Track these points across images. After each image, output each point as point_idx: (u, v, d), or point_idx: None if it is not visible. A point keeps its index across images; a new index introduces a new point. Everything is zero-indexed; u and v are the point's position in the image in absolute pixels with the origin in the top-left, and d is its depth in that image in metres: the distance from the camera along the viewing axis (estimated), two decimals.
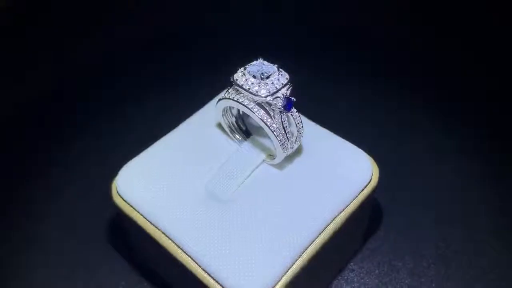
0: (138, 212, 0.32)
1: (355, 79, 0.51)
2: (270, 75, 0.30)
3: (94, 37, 0.57)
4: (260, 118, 0.30)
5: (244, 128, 0.35)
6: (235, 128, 0.34)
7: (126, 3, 0.61)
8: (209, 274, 0.29)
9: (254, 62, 0.31)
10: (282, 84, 0.30)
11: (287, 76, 0.31)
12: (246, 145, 0.34)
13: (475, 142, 0.45)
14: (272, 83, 0.30)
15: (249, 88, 0.30)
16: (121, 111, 0.49)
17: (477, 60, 0.53)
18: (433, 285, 0.36)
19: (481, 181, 0.42)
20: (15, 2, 0.59)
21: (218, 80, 0.36)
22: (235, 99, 0.31)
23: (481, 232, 0.39)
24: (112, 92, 0.51)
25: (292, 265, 0.30)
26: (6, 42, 0.56)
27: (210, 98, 0.38)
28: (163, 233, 0.31)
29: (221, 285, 0.29)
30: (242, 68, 0.31)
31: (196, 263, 0.30)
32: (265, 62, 0.31)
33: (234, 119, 0.34)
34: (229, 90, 0.32)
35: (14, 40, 0.56)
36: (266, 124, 0.30)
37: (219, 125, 0.35)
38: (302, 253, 0.30)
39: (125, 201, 0.33)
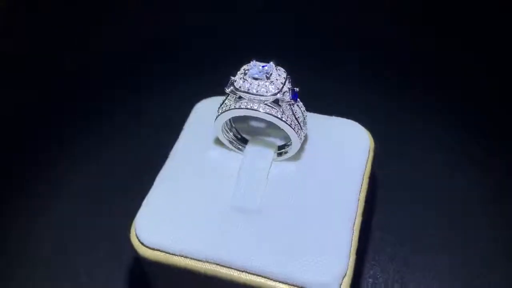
0: (178, 255, 0.30)
1: (355, 79, 0.51)
2: (272, 73, 0.31)
3: (94, 37, 0.57)
4: (275, 116, 0.30)
5: (239, 136, 0.34)
6: (233, 139, 0.34)
7: (126, 3, 0.61)
8: (284, 283, 0.29)
9: (248, 66, 0.31)
10: (284, 78, 0.31)
11: (283, 69, 0.31)
12: (249, 151, 0.34)
13: (475, 142, 0.45)
14: (276, 79, 0.30)
15: (257, 91, 0.30)
16: (122, 111, 0.49)
17: (477, 60, 0.53)
18: (438, 283, 0.37)
19: (482, 181, 0.42)
20: (15, 2, 0.59)
21: (218, 80, 0.36)
22: (242, 106, 0.31)
23: (480, 232, 0.39)
24: (113, 92, 0.51)
25: (351, 249, 0.30)
26: (6, 42, 0.56)
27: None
28: (217, 264, 0.29)
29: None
30: (241, 75, 0.31)
31: (266, 277, 0.29)
32: (259, 63, 0.31)
33: (231, 133, 0.34)
34: (225, 102, 0.32)
35: (14, 40, 0.56)
36: (282, 120, 0.31)
37: (216, 140, 0.35)
38: (353, 235, 0.31)
39: (157, 250, 0.30)
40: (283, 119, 0.31)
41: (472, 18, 0.57)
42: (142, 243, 0.30)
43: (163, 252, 0.30)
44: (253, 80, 0.30)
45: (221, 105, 0.32)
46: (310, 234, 0.30)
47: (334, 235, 0.30)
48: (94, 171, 0.44)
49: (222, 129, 0.33)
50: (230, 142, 0.34)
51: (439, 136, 0.46)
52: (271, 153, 0.34)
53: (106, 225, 0.40)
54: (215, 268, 0.29)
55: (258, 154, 0.34)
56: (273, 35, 0.56)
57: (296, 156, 0.34)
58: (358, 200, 0.32)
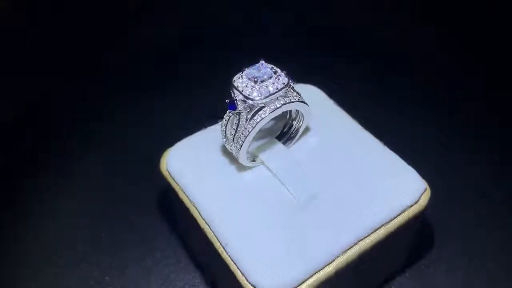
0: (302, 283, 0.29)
1: (355, 80, 0.51)
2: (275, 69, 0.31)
3: (94, 37, 0.57)
4: (295, 101, 0.31)
5: (250, 153, 0.34)
6: (252, 156, 0.34)
7: (126, 3, 0.61)
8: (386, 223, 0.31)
9: (245, 75, 0.30)
10: (277, 67, 0.31)
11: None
12: (265, 155, 0.33)
13: (475, 142, 0.45)
14: (277, 71, 0.31)
15: (277, 88, 0.30)
16: (122, 112, 0.49)
17: (477, 60, 0.53)
18: None
19: (482, 181, 0.42)
20: (16, 2, 0.59)
21: (219, 81, 0.36)
22: (267, 113, 0.30)
23: (481, 231, 0.39)
24: (113, 92, 0.51)
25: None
26: (7, 42, 0.56)
27: (206, 105, 0.37)
28: (331, 261, 0.29)
29: None
30: (250, 87, 0.30)
31: (375, 231, 0.30)
32: (254, 66, 0.31)
33: (254, 157, 0.33)
34: (241, 124, 0.30)
35: (15, 40, 0.56)
36: (301, 101, 0.31)
37: (233, 168, 0.33)
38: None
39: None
40: (301, 100, 0.31)
41: (472, 18, 0.57)
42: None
43: None
44: (266, 82, 0.30)
45: (236, 131, 0.31)
46: (378, 178, 0.32)
47: (396, 164, 0.33)
48: (93, 169, 0.44)
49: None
50: (251, 160, 0.33)
51: (439, 136, 0.46)
52: (279, 144, 0.34)
53: (107, 225, 0.41)
54: (337, 263, 0.29)
55: (274, 151, 0.33)
56: (273, 35, 0.57)
57: (304, 131, 0.34)
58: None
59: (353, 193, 0.31)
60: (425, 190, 0.32)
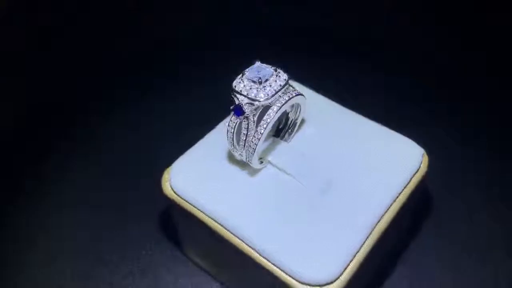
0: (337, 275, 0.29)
1: (355, 79, 0.51)
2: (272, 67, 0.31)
3: (93, 37, 0.57)
4: (296, 95, 0.31)
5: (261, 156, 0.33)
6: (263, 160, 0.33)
7: (127, 7, 0.61)
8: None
9: (245, 78, 0.30)
10: (273, 66, 0.31)
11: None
12: (270, 155, 0.33)
13: (475, 142, 0.45)
14: (276, 68, 0.31)
15: (281, 85, 0.30)
16: (122, 111, 0.49)
17: (477, 60, 0.53)
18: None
19: (482, 181, 0.42)
20: (16, 2, 0.59)
21: (218, 82, 0.36)
22: (275, 111, 0.30)
23: (481, 228, 0.39)
24: (112, 92, 0.51)
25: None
26: (7, 42, 0.56)
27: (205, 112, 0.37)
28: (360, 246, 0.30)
29: None
30: (254, 89, 0.30)
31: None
32: (252, 68, 0.30)
33: (260, 159, 0.33)
34: (249, 127, 0.30)
35: (15, 40, 0.56)
36: (300, 94, 0.31)
37: (243, 172, 0.33)
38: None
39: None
40: (300, 93, 0.31)
41: (473, 17, 0.57)
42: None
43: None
44: (269, 81, 0.30)
45: (247, 135, 0.30)
46: (380, 154, 0.33)
47: (392, 137, 0.34)
48: (93, 170, 0.44)
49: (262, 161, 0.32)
50: (260, 163, 0.33)
51: (439, 136, 0.46)
52: (281, 142, 0.34)
53: (106, 228, 0.41)
54: (367, 243, 0.30)
55: (280, 150, 0.33)
56: (273, 35, 0.56)
57: (301, 122, 0.35)
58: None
59: (362, 174, 0.32)
60: (423, 155, 0.34)
